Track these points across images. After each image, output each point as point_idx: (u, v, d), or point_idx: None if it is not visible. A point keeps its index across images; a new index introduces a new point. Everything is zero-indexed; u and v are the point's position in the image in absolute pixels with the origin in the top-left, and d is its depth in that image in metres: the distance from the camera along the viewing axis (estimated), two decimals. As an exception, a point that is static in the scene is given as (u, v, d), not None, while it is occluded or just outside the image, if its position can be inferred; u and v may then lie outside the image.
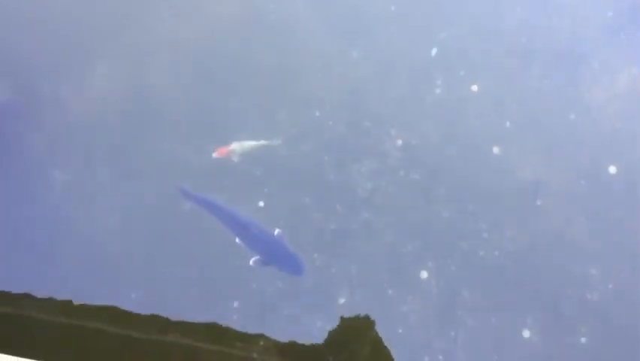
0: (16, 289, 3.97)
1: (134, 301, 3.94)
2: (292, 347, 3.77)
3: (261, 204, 4.17)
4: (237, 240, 3.80)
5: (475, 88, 4.29)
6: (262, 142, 4.10)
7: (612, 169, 4.12)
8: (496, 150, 4.21)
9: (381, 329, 3.84)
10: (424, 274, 3.97)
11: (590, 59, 4.29)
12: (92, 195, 4.17)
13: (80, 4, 4.54)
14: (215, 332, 3.83)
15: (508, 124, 4.24)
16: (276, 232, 3.84)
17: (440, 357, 3.75)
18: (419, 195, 4.15)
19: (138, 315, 3.88)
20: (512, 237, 4.02)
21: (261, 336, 3.81)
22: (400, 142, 4.24)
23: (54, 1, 4.55)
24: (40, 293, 3.95)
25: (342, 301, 3.95)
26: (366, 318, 3.89)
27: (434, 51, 4.36)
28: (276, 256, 3.77)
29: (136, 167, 4.20)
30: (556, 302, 3.86)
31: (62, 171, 4.20)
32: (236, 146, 4.06)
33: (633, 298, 3.81)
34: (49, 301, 3.94)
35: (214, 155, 4.05)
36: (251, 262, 3.74)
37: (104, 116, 4.31)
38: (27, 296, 3.96)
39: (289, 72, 4.37)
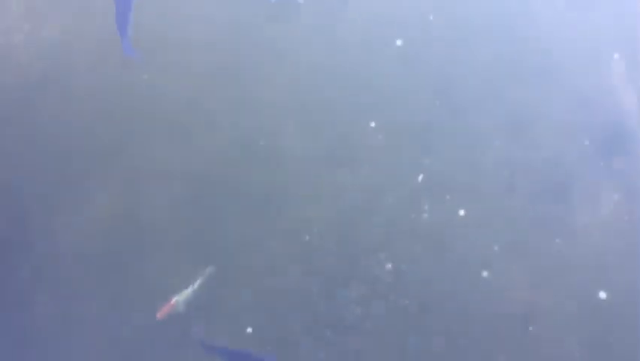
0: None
1: None
2: None
3: (249, 330, 4.12)
4: None
5: (462, 213, 4.37)
6: (199, 281, 4.13)
7: (602, 295, 4.11)
8: (485, 274, 4.22)
9: None
10: (417, 406, 3.85)
11: (571, 185, 4.39)
12: (78, 326, 4.11)
13: (71, 134, 4.66)
14: None
15: (496, 248, 4.28)
16: None
17: None
18: (410, 322, 4.12)
19: None
20: (505, 365, 3.94)
21: None
22: (389, 267, 4.26)
23: (46, 132, 4.67)
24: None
25: None
26: None
27: (420, 177, 4.48)
28: None
29: (124, 296, 4.16)
30: None
31: (48, 302, 4.15)
32: (177, 298, 4.09)
33: None
34: None
35: (157, 316, 4.04)
36: None
37: (94, 245, 4.33)
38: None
39: (278, 197, 4.45)
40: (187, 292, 4.11)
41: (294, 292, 4.19)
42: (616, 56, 4.70)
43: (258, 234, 4.31)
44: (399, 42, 4.90)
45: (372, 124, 4.63)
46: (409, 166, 4.53)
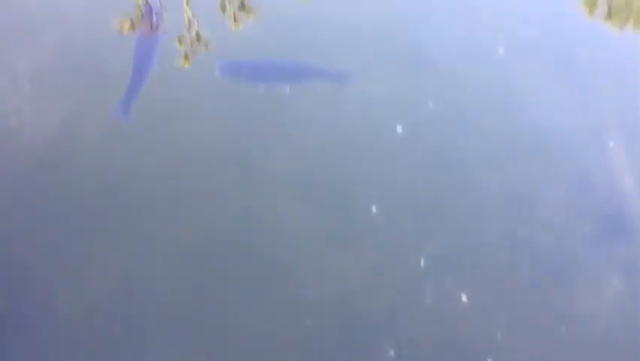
0: None
1: None
2: None
3: (248, 418, 3.97)
4: None
5: (464, 298, 4.34)
6: None
7: (610, 385, 4.02)
8: (490, 361, 4.14)
9: None
10: None
11: (573, 271, 4.41)
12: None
13: (73, 211, 4.68)
14: None
15: (499, 336, 4.21)
16: None
17: None
18: (413, 412, 3.99)
19: None
20: None
21: None
22: (392, 353, 4.17)
23: (49, 209, 4.69)
24: None
25: None
26: None
27: (422, 261, 4.48)
28: None
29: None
30: None
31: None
32: None
33: None
34: None
35: None
36: None
37: (95, 324, 4.23)
38: None
39: (281, 278, 4.41)
40: None
41: (294, 380, 4.08)
42: (611, 144, 4.84)
43: (257, 317, 4.24)
44: (399, 129, 5.06)
45: (374, 209, 4.70)
46: (411, 250, 4.55)
